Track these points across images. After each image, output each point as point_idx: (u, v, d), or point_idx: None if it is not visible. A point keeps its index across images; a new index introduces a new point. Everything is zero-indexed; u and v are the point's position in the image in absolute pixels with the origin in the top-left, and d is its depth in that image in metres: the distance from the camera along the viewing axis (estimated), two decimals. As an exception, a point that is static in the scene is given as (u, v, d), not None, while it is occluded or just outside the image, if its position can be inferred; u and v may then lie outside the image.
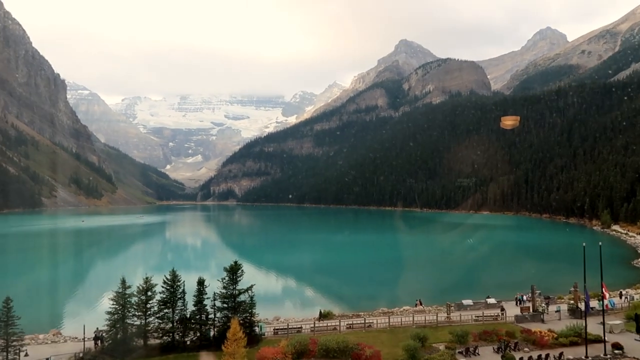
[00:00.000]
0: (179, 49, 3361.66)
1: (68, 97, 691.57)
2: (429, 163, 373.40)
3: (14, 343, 34.72)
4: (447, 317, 48.95)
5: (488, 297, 56.81)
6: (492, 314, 49.86)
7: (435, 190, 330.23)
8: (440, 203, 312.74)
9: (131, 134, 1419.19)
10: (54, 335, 45.82)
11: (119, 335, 38.55)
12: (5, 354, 34.26)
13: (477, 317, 48.99)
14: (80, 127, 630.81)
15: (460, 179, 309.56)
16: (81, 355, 37.74)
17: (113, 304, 38.86)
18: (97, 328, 40.96)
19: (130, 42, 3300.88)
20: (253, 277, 62.34)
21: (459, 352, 38.00)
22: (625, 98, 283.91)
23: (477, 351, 38.13)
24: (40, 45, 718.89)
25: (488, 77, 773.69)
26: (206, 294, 41.30)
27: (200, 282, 41.27)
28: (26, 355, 37.02)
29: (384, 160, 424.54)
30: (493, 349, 38.80)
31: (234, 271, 41.74)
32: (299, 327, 45.10)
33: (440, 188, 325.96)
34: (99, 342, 40.19)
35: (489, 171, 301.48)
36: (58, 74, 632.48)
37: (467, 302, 54.72)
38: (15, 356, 35.01)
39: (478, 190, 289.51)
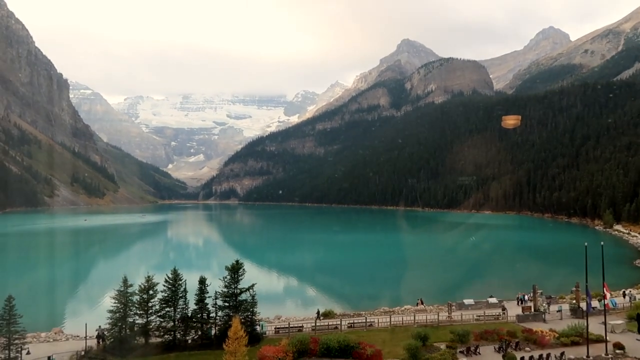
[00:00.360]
0: (178, 48, 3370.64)
1: (71, 96, 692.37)
2: (431, 162, 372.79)
3: (16, 341, 34.90)
4: (449, 316, 48.94)
5: (490, 297, 56.83)
6: (494, 314, 49.86)
7: (437, 189, 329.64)
8: (442, 202, 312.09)
9: (133, 134, 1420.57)
10: (55, 333, 45.99)
11: (120, 334, 38.67)
12: (7, 352, 34.40)
13: (479, 316, 48.99)
14: (82, 126, 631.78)
15: (462, 178, 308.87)
16: (82, 353, 37.86)
17: (115, 303, 38.98)
18: (100, 326, 41.09)
19: (130, 41, 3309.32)
20: (254, 276, 62.34)
21: (460, 352, 37.97)
22: (630, 98, 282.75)
23: (478, 350, 38.12)
24: (41, 44, 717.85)
25: (490, 76, 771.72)
26: (207, 292, 41.40)
27: (202, 281, 41.41)
28: (28, 353, 37.11)
29: (386, 160, 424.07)
30: (494, 348, 38.76)
31: (235, 270, 41.83)
32: (300, 326, 45.14)
33: (442, 188, 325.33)
34: (101, 340, 40.30)
35: (491, 171, 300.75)
36: (61, 74, 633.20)
37: (469, 301, 54.72)
38: (17, 354, 35.18)
39: (480, 189, 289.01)
